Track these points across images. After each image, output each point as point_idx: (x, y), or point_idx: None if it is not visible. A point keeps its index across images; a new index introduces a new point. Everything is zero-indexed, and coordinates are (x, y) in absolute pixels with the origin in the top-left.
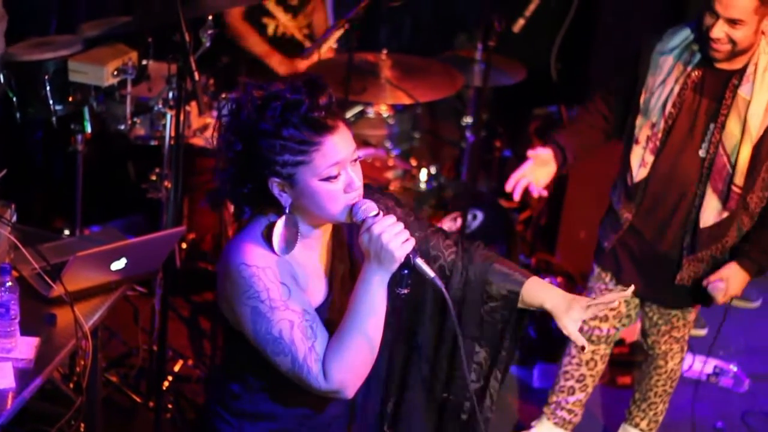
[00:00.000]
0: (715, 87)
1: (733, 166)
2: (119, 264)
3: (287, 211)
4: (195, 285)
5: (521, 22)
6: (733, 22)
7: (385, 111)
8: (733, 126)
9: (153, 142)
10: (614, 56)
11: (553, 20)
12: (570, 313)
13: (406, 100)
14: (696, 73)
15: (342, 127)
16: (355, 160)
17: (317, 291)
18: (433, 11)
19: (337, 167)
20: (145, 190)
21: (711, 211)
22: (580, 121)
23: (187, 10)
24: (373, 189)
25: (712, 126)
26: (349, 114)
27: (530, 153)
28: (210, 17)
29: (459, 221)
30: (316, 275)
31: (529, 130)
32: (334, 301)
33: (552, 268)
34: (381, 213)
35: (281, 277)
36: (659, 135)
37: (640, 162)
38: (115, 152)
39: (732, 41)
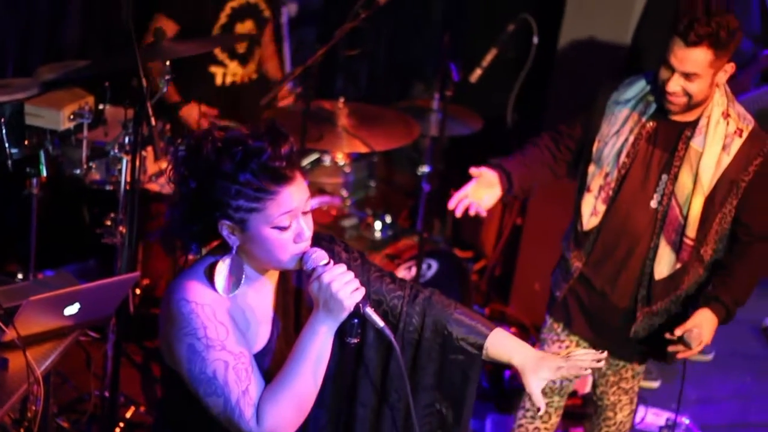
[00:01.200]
0: (668, 138)
1: (685, 218)
2: (72, 309)
3: (234, 252)
4: (148, 331)
5: (478, 72)
6: (688, 76)
7: (341, 159)
8: (685, 178)
9: (108, 187)
10: (570, 108)
11: (509, 71)
12: (538, 372)
13: (363, 149)
14: (651, 124)
15: (298, 177)
16: (307, 211)
17: (260, 337)
18: (390, 60)
19: (289, 217)
20: (100, 234)
21: (665, 263)
22: (529, 155)
23: (145, 55)
24: (321, 237)
25: (664, 177)
26: (305, 161)
27: (473, 171)
28: (167, 63)
29: (414, 270)
30: (260, 321)
31: None
32: (276, 351)
33: (506, 319)
34: (331, 262)
35: (220, 316)
36: (612, 185)
37: (592, 210)
38: (70, 196)
39: (688, 94)
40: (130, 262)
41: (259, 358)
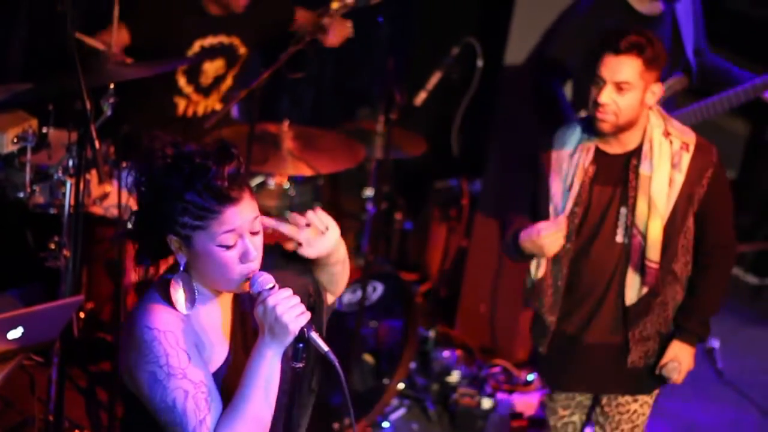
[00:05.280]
0: (616, 172)
1: (644, 241)
2: (16, 333)
3: (182, 269)
4: (93, 355)
5: (423, 95)
6: (619, 87)
7: (286, 182)
8: (642, 205)
9: (52, 211)
10: (514, 130)
11: (454, 94)
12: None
13: (308, 172)
14: (591, 168)
15: (246, 198)
16: (257, 232)
17: (219, 353)
18: (336, 83)
19: (233, 236)
20: (44, 258)
21: (633, 289)
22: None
23: (89, 78)
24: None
25: (623, 210)
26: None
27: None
28: (111, 86)
29: (359, 293)
30: (218, 338)
31: (429, 203)
32: (234, 365)
33: (451, 341)
34: (276, 286)
35: (182, 343)
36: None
37: (537, 263)
38: (14, 220)
39: (617, 110)
40: (74, 286)
41: (219, 373)
